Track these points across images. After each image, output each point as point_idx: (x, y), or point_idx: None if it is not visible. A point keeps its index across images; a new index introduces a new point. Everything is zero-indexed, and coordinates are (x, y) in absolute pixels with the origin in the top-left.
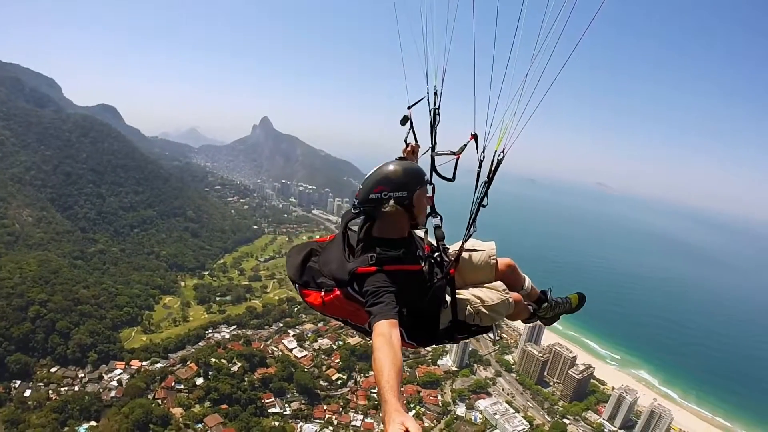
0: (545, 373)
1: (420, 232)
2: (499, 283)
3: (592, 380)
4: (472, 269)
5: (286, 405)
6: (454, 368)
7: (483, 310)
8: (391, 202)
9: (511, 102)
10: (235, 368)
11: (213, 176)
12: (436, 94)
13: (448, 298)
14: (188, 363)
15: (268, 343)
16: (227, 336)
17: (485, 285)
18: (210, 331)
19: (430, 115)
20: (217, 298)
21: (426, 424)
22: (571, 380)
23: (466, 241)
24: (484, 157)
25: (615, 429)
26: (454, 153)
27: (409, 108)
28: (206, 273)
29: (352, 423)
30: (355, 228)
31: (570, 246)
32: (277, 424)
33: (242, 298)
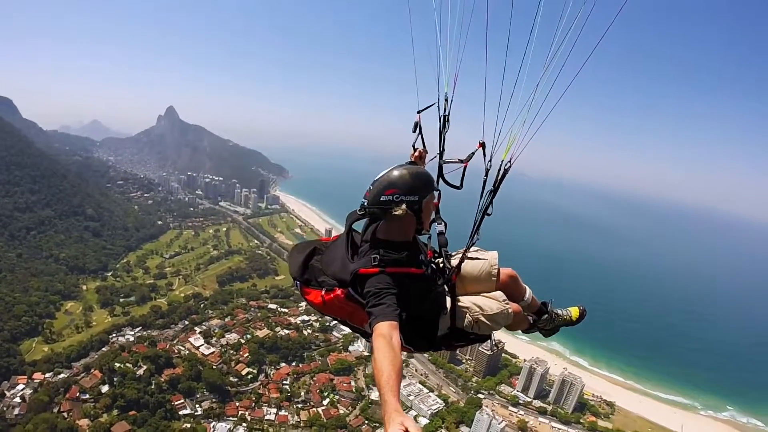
0: (457, 352)
1: (422, 238)
2: (499, 293)
3: (503, 354)
4: (473, 278)
5: (197, 405)
6: (365, 353)
7: (482, 319)
8: (403, 205)
9: (519, 113)
10: (140, 372)
11: (115, 171)
12: (446, 101)
13: (448, 304)
14: (92, 370)
15: (174, 342)
16: (132, 339)
17: (485, 294)
18: (114, 335)
19: (440, 121)
20: (121, 300)
21: (341, 411)
22: (482, 356)
23: (469, 248)
24: (491, 166)
25: (529, 399)
26: (462, 161)
27: (418, 113)
28: (109, 274)
29: (266, 417)
30: (359, 229)
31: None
32: (188, 425)
33: (147, 298)
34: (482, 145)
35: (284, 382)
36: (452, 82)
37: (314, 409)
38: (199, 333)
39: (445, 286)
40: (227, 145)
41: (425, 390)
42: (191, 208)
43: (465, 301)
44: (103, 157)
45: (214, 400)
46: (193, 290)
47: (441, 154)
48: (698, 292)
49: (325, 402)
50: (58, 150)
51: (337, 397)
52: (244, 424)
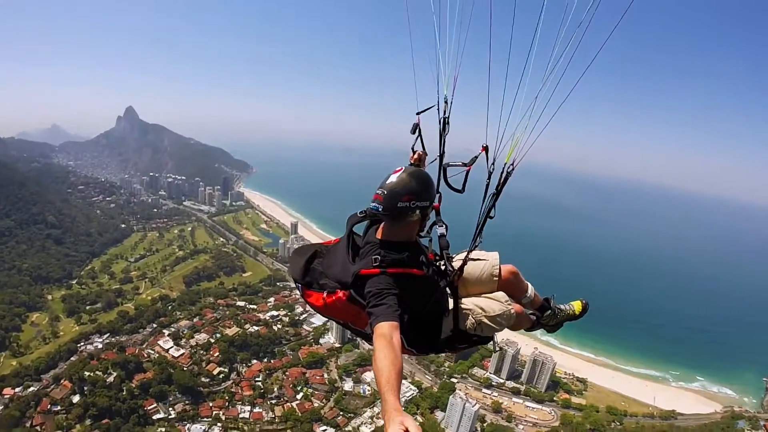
0: None
1: (424, 240)
2: (501, 294)
3: None
4: (475, 279)
5: (170, 408)
6: (337, 345)
7: (485, 320)
8: (417, 211)
9: (523, 117)
10: (111, 379)
11: (75, 176)
12: (446, 103)
13: (450, 306)
14: (62, 381)
15: (144, 346)
16: (100, 346)
17: (487, 295)
18: (82, 343)
19: (440, 124)
20: (87, 308)
21: (315, 404)
22: None
23: (471, 251)
24: (493, 169)
25: (502, 380)
26: (465, 165)
27: (418, 114)
28: (74, 282)
29: (241, 416)
30: (359, 232)
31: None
32: (163, 429)
33: (113, 304)
34: (485, 148)
35: (257, 379)
36: (452, 84)
37: (288, 404)
38: (168, 335)
39: (448, 288)
40: (189, 143)
41: None
42: (155, 210)
43: (467, 302)
44: (63, 162)
45: (187, 402)
46: (160, 292)
47: (441, 156)
48: (663, 268)
49: (298, 396)
50: (16, 158)
51: (310, 390)
52: (219, 424)
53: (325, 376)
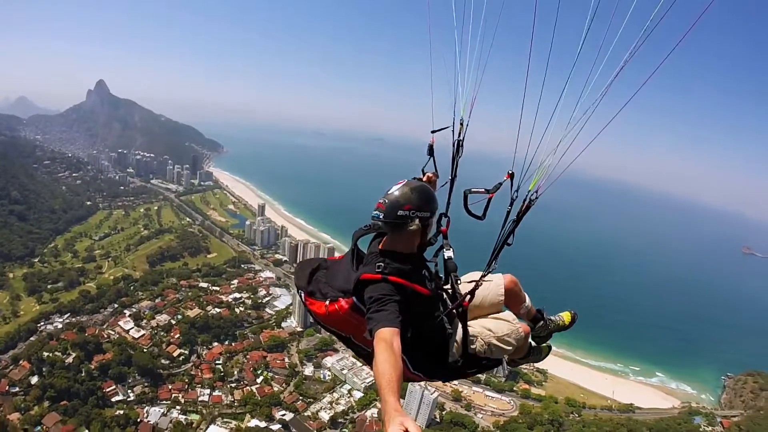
0: None
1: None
2: (508, 313)
3: None
4: (481, 302)
5: (129, 391)
6: (299, 329)
7: (494, 341)
8: (417, 221)
9: (550, 147)
10: (69, 360)
11: (42, 150)
12: (461, 125)
13: (459, 330)
14: (20, 362)
15: (104, 327)
16: (60, 326)
17: (494, 316)
18: (42, 323)
19: (453, 147)
20: (49, 286)
21: (275, 388)
22: None
23: (484, 275)
24: (516, 197)
25: None
26: (488, 191)
27: (432, 133)
28: (36, 260)
29: (200, 399)
30: (364, 248)
31: None
32: (121, 412)
33: (75, 283)
34: (511, 175)
35: (217, 361)
36: (469, 107)
37: (248, 387)
38: (129, 316)
39: (456, 311)
40: (160, 120)
41: (359, 364)
42: (122, 187)
43: (474, 325)
44: (30, 135)
45: (146, 384)
46: (123, 272)
47: (452, 180)
48: (625, 264)
49: (258, 380)
50: None
51: (270, 374)
52: (178, 407)
53: (286, 360)
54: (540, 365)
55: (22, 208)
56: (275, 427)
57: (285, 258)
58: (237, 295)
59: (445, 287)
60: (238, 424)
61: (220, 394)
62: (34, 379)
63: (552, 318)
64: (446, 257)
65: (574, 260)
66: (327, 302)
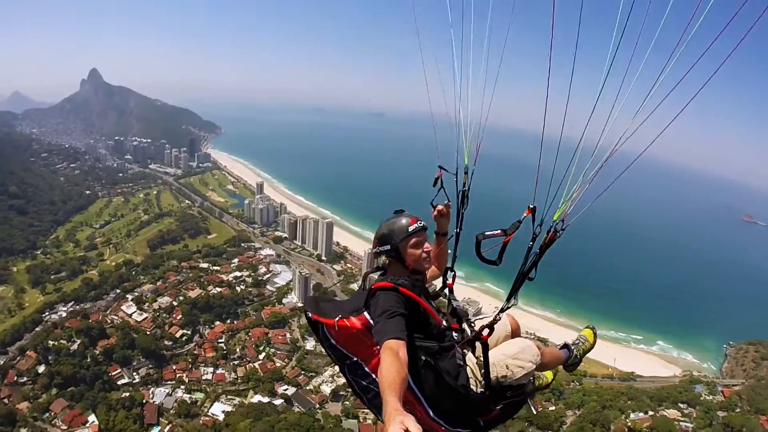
0: None
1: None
2: (516, 339)
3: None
4: (494, 340)
5: (134, 373)
6: (299, 304)
7: (510, 361)
8: (382, 256)
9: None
10: (74, 347)
11: (39, 143)
12: (466, 173)
13: (473, 360)
14: (27, 352)
15: (107, 313)
16: (65, 314)
17: (504, 342)
18: (47, 313)
19: (458, 198)
20: (52, 277)
21: (277, 364)
22: None
23: (504, 310)
24: (540, 231)
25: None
26: (504, 233)
27: (440, 168)
28: (38, 252)
29: (204, 377)
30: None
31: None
32: (127, 394)
33: (78, 271)
34: (532, 210)
35: (219, 340)
36: (474, 154)
37: (251, 364)
38: (131, 300)
39: (473, 343)
40: (155, 105)
41: None
42: (120, 174)
43: (490, 355)
44: (26, 130)
45: (150, 366)
46: (124, 258)
47: (458, 234)
48: (628, 233)
49: (261, 356)
50: None
51: (272, 350)
52: (182, 387)
53: (288, 335)
54: (541, 335)
55: (21, 202)
56: (278, 401)
57: (285, 235)
58: (237, 273)
59: (457, 327)
60: (242, 401)
61: (224, 371)
62: (41, 368)
63: (578, 344)
64: (454, 306)
65: (574, 229)
66: (337, 318)
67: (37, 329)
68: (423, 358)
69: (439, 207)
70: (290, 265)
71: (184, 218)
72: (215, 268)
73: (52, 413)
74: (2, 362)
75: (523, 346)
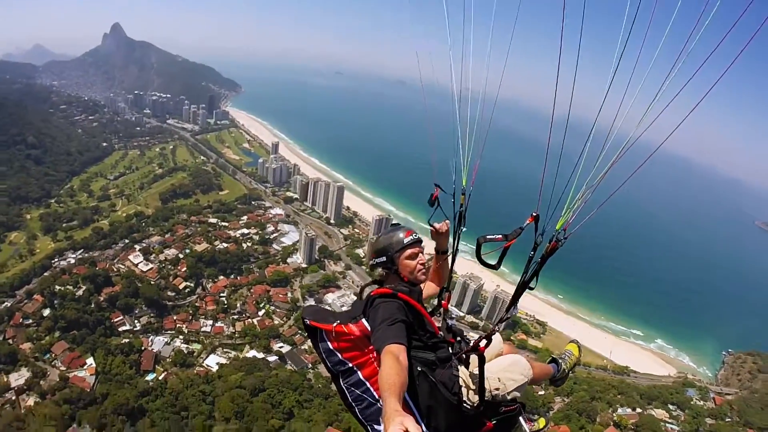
0: None
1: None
2: (505, 355)
3: None
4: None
5: (136, 321)
6: (303, 265)
7: (502, 374)
8: (378, 268)
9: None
10: (80, 292)
11: (58, 95)
12: (463, 195)
13: (465, 373)
14: (34, 296)
15: (114, 261)
16: (73, 261)
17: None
18: (56, 259)
19: (455, 219)
20: (64, 225)
21: (275, 322)
22: None
23: (503, 320)
24: (541, 240)
25: (462, 314)
26: (506, 238)
27: (437, 186)
28: (52, 201)
29: (203, 329)
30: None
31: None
32: (127, 341)
33: (89, 221)
34: (535, 218)
35: (221, 294)
36: (471, 175)
37: (249, 320)
38: (139, 250)
39: (468, 355)
40: (176, 60)
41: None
42: (138, 128)
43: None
44: (47, 82)
45: (152, 315)
46: (136, 209)
47: (454, 256)
48: (640, 222)
49: (260, 313)
50: None
51: (272, 308)
52: (181, 337)
53: (289, 295)
54: (541, 318)
55: (38, 152)
56: (272, 358)
57: (296, 195)
58: (245, 231)
59: (453, 341)
60: (237, 354)
61: (222, 325)
62: (46, 312)
63: (565, 359)
64: (449, 324)
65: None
66: (335, 324)
67: (45, 274)
68: (419, 368)
69: (437, 225)
70: (298, 226)
71: (197, 173)
72: (224, 224)
73: (53, 354)
74: (10, 304)
75: (514, 360)
